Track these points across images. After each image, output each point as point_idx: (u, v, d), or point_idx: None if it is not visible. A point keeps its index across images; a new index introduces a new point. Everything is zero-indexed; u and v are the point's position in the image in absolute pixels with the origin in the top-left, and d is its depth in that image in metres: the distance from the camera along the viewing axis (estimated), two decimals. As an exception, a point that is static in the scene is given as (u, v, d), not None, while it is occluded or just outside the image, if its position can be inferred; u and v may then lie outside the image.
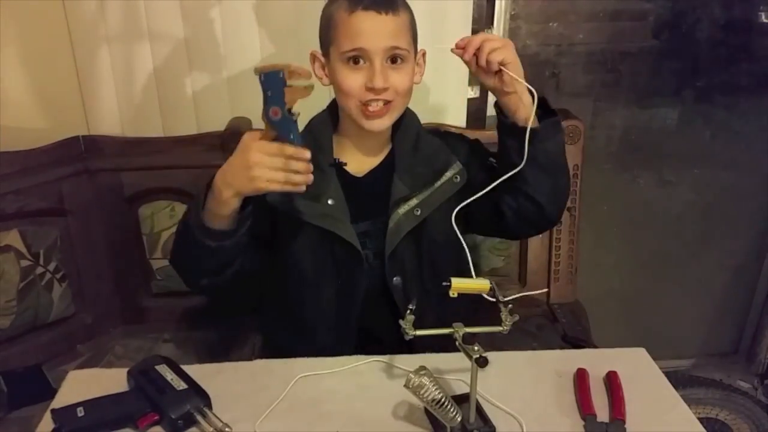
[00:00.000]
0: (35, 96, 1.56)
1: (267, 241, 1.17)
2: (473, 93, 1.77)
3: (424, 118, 1.57)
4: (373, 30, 1.03)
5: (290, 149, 0.92)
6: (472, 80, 1.71)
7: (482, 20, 1.72)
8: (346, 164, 1.16)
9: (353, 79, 1.06)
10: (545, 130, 1.07)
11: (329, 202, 1.13)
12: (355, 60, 1.06)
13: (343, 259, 1.14)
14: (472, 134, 1.62)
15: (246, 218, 1.01)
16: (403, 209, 1.14)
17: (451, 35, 1.57)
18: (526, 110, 1.06)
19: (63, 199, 1.50)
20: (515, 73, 1.04)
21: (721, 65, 1.92)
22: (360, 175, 1.18)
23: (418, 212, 1.14)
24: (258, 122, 1.61)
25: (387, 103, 1.08)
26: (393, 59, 1.07)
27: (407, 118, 1.17)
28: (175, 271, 1.18)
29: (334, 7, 1.07)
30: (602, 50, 1.88)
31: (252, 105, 1.61)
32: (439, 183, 1.15)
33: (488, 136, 1.64)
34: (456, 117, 1.66)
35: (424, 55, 1.16)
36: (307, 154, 0.93)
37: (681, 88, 1.95)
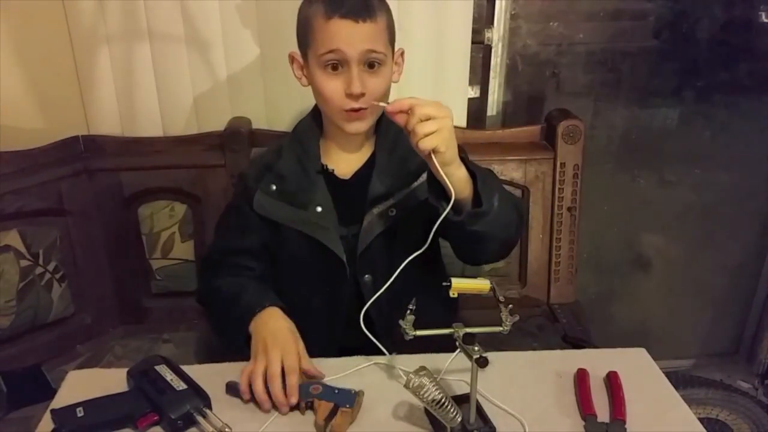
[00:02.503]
0: (35, 96, 1.56)
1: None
2: (473, 93, 1.77)
3: (425, 117, 1.58)
4: (349, 36, 1.03)
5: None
6: (473, 80, 1.71)
7: (482, 20, 1.72)
8: (333, 170, 1.17)
9: (333, 86, 1.07)
10: (471, 219, 0.98)
11: (317, 209, 1.14)
12: (333, 66, 1.06)
13: (330, 266, 1.15)
14: (472, 134, 1.63)
15: None
16: (378, 209, 1.14)
17: (452, 35, 1.58)
18: (459, 184, 0.97)
19: (62, 199, 1.50)
20: (447, 155, 0.94)
21: (721, 65, 1.92)
22: (347, 177, 1.18)
23: (393, 212, 1.14)
24: (258, 122, 1.62)
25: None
26: (370, 64, 1.07)
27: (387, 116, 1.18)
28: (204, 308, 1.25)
29: (312, 10, 1.06)
30: (602, 50, 1.88)
31: (252, 105, 1.62)
32: (415, 184, 1.15)
33: (487, 136, 1.66)
34: (456, 117, 1.65)
35: (402, 54, 1.16)
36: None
37: (681, 88, 1.95)
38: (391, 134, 1.18)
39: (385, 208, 1.14)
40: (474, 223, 0.98)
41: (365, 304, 1.14)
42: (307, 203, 1.14)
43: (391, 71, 1.11)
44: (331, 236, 1.13)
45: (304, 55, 1.11)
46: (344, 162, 1.18)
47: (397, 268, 1.15)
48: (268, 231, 1.17)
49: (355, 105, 1.06)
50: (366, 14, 1.03)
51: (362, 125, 1.11)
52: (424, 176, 1.13)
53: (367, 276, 1.16)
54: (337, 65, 1.05)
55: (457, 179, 0.96)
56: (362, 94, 1.05)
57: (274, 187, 1.15)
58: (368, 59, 1.05)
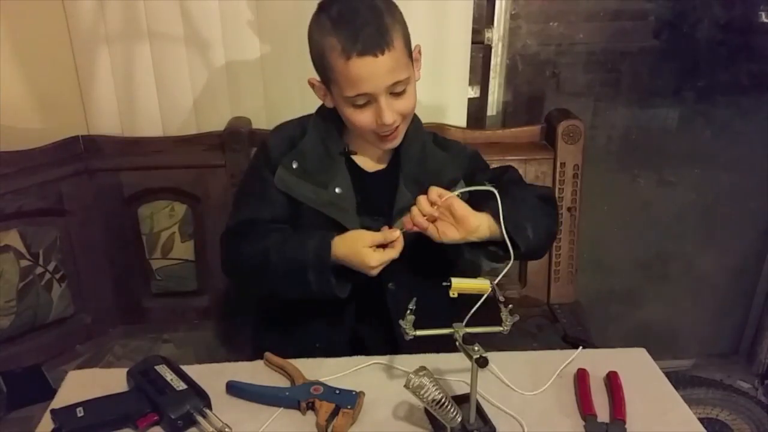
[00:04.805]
0: (35, 96, 1.56)
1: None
2: (473, 93, 1.77)
3: (425, 117, 1.56)
4: (372, 74, 1.02)
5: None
6: (473, 80, 1.71)
7: (482, 20, 1.72)
8: (356, 153, 1.17)
9: (363, 118, 1.07)
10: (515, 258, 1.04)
11: (336, 190, 1.13)
12: (362, 102, 1.06)
13: None
14: (472, 134, 1.63)
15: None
16: (406, 217, 1.14)
17: (452, 35, 1.58)
18: (484, 224, 1.04)
19: (62, 199, 1.50)
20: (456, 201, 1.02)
21: (721, 65, 1.92)
22: (368, 170, 1.19)
23: None
24: (257, 122, 1.62)
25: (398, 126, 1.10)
26: (395, 91, 1.06)
27: (414, 124, 1.17)
28: (237, 279, 1.25)
29: (327, 44, 1.04)
30: (602, 50, 1.88)
31: (252, 105, 1.62)
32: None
33: (487, 136, 1.66)
34: (456, 117, 1.67)
35: (419, 51, 1.14)
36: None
37: (681, 88, 1.95)
38: (419, 145, 1.18)
39: None
40: (519, 257, 1.06)
41: (388, 309, 1.15)
42: (326, 183, 1.13)
43: (415, 83, 1.11)
44: (350, 218, 1.12)
45: (326, 84, 1.10)
46: (364, 158, 1.18)
47: (421, 276, 1.15)
48: (288, 206, 1.15)
49: (387, 130, 1.08)
50: (384, 44, 1.01)
51: (396, 142, 1.13)
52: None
53: (391, 284, 1.15)
54: (364, 101, 1.06)
55: (485, 234, 1.03)
56: (394, 121, 1.07)
57: (295, 165, 1.14)
58: (394, 89, 1.06)
